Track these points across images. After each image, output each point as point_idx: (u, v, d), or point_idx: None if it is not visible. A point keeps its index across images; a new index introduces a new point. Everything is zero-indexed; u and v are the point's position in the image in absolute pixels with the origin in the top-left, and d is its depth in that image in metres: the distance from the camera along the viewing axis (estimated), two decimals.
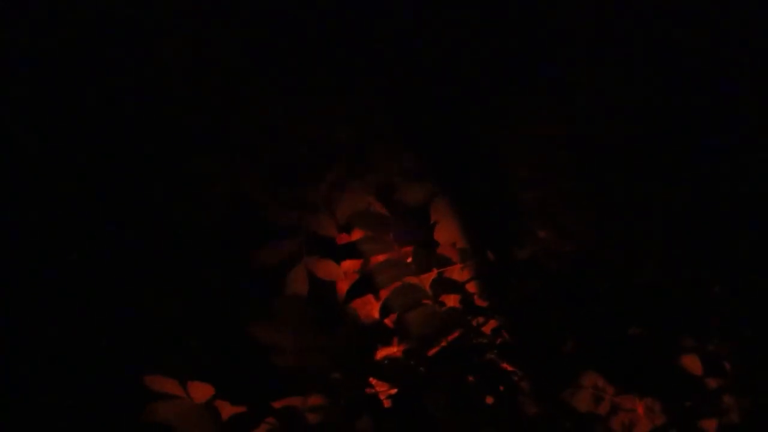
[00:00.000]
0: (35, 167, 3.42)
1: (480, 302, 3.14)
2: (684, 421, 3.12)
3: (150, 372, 2.84)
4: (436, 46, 3.41)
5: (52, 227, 3.41)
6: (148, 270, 3.37)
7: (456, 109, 3.37)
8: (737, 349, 3.19)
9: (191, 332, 3.34)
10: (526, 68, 3.43)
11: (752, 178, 3.41)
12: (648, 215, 3.29)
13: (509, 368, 3.07)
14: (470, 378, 3.00)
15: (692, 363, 3.15)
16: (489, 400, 3.02)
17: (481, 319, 3.11)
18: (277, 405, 2.90)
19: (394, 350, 3.09)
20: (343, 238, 3.17)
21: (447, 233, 3.18)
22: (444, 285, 3.10)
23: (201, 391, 2.85)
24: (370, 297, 3.16)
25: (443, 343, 3.05)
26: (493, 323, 3.11)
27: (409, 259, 3.12)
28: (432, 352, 3.04)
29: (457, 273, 3.16)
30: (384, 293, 3.08)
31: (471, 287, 3.15)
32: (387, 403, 2.95)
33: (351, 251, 3.13)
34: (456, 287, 3.11)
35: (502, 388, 3.03)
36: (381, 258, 3.11)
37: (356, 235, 3.16)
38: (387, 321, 3.09)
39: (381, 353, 3.10)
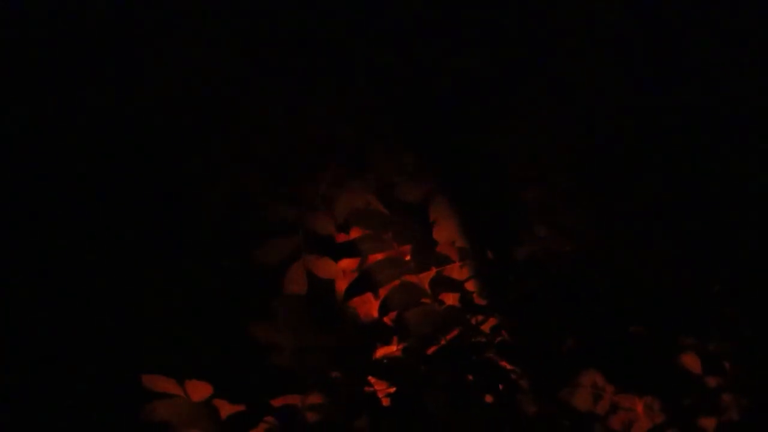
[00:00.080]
0: (35, 167, 3.42)
1: (479, 301, 3.14)
2: (683, 419, 3.12)
3: (149, 371, 2.84)
4: (435, 46, 3.40)
5: (51, 227, 3.41)
6: (148, 269, 3.37)
7: (456, 108, 3.37)
8: (737, 347, 3.19)
9: (190, 332, 3.34)
10: (526, 67, 3.43)
11: (753, 178, 3.40)
12: (648, 215, 3.28)
13: (508, 367, 3.06)
14: (469, 377, 3.00)
15: (692, 362, 3.15)
16: (488, 398, 3.02)
17: (480, 318, 3.10)
18: (276, 404, 2.90)
19: (393, 349, 3.09)
20: (341, 237, 3.17)
21: (446, 232, 3.18)
22: (443, 283, 3.10)
23: (199, 390, 2.85)
24: (369, 295, 3.15)
25: (442, 342, 3.04)
26: (492, 322, 3.11)
27: (407, 257, 3.11)
28: (431, 350, 3.04)
29: (457, 272, 3.16)
30: (383, 292, 3.08)
31: (470, 286, 3.15)
32: (386, 402, 2.95)
33: (349, 250, 3.13)
34: (455, 286, 3.11)
35: (501, 386, 3.02)
36: (379, 257, 3.11)
37: (355, 233, 3.16)
38: (386, 319, 3.09)
39: (380, 352, 3.10)
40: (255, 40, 3.39)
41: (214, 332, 3.33)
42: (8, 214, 3.39)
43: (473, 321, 3.10)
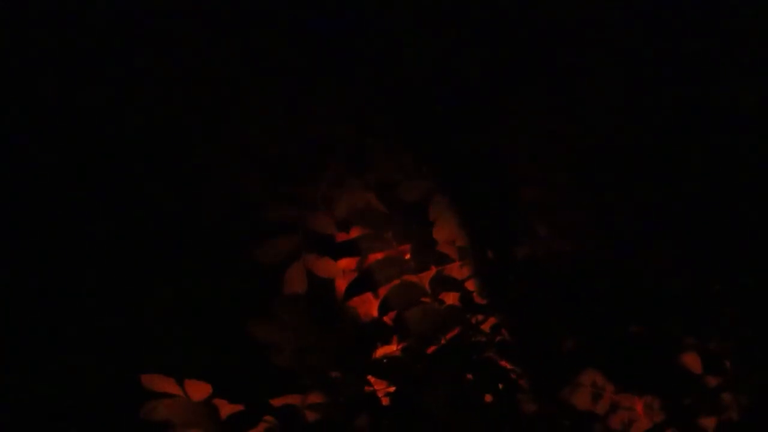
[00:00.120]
0: (35, 167, 3.42)
1: (479, 300, 3.13)
2: (683, 419, 3.12)
3: (148, 371, 2.84)
4: (435, 45, 3.40)
5: (51, 227, 3.41)
6: (148, 269, 3.37)
7: (456, 107, 3.37)
8: (737, 347, 3.18)
9: (190, 331, 3.33)
10: (526, 67, 3.43)
11: (753, 177, 3.40)
12: (648, 214, 3.28)
13: (508, 366, 3.06)
14: (469, 376, 3.00)
15: (692, 361, 3.15)
16: (488, 398, 3.01)
17: (480, 317, 3.10)
18: (275, 403, 2.90)
19: (393, 348, 3.09)
20: (341, 236, 3.17)
21: (446, 231, 3.17)
22: (443, 283, 3.09)
23: (199, 390, 2.85)
24: (368, 295, 3.15)
25: (442, 341, 3.04)
26: (492, 321, 3.10)
27: (407, 256, 3.11)
28: (431, 350, 3.03)
29: (457, 271, 3.15)
30: (383, 291, 3.07)
31: (470, 285, 3.14)
32: (386, 401, 2.95)
33: (349, 249, 3.12)
34: (455, 285, 3.11)
35: (501, 386, 3.02)
36: (379, 256, 3.11)
37: (355, 233, 3.15)
38: (386, 319, 3.08)
39: (380, 351, 3.09)
40: (255, 39, 3.39)
41: (213, 332, 3.33)
42: (8, 214, 3.39)
43: (473, 320, 3.09)
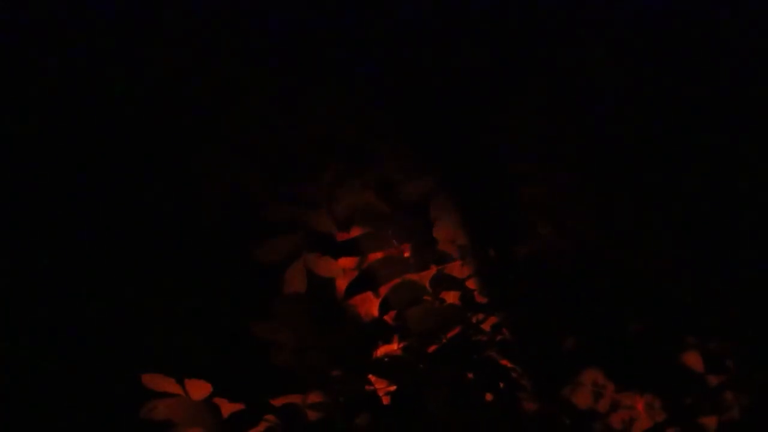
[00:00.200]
0: (34, 166, 3.42)
1: (480, 299, 3.13)
2: (684, 418, 3.11)
3: (149, 371, 2.84)
4: (436, 43, 3.40)
5: (51, 227, 3.41)
6: (147, 269, 3.37)
7: (456, 105, 3.37)
8: (739, 346, 3.18)
9: (190, 331, 3.33)
10: (527, 65, 3.42)
11: (754, 176, 3.40)
12: (649, 212, 3.28)
13: (509, 365, 3.06)
14: (470, 375, 2.99)
15: (693, 360, 3.14)
16: (488, 397, 3.01)
17: (480, 316, 3.10)
18: (276, 402, 2.90)
19: (394, 347, 3.08)
20: (341, 236, 3.17)
21: (447, 230, 3.17)
22: (444, 282, 3.09)
23: (199, 389, 2.84)
24: (369, 294, 3.14)
25: (443, 340, 3.04)
26: (493, 320, 3.10)
27: (407, 254, 3.11)
28: (432, 349, 3.03)
29: (457, 270, 3.15)
30: (383, 290, 3.07)
31: (471, 284, 3.13)
32: (386, 400, 2.94)
33: (349, 248, 3.12)
34: (456, 284, 3.10)
35: (501, 385, 3.01)
36: (379, 255, 3.10)
37: (355, 232, 3.15)
38: (387, 318, 3.08)
39: (381, 350, 3.09)
40: (255, 38, 3.39)
41: (214, 331, 3.33)
42: (8, 214, 3.39)
43: (474, 319, 3.09)
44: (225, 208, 3.21)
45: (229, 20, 3.42)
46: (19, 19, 3.47)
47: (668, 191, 3.33)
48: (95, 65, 3.43)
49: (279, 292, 3.08)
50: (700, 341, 3.15)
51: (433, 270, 3.11)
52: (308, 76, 3.34)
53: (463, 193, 3.22)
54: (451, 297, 3.10)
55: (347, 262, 3.17)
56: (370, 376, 2.97)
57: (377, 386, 2.96)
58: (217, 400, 2.84)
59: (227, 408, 2.84)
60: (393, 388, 2.95)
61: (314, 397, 2.90)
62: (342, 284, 3.13)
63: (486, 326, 3.10)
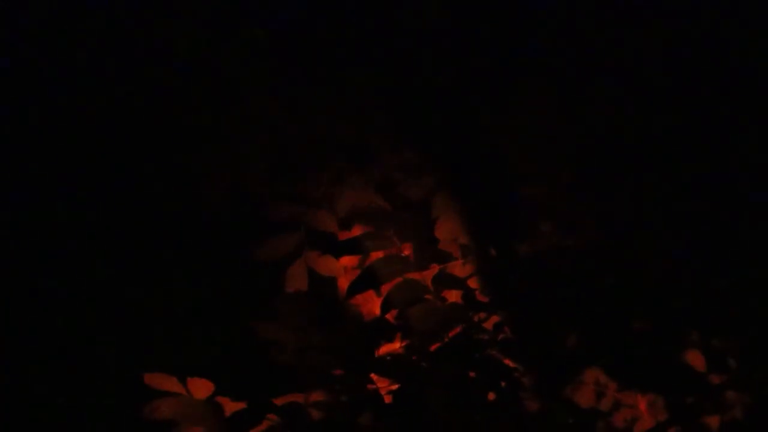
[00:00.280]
0: (35, 167, 3.41)
1: (481, 298, 3.13)
2: (687, 417, 3.11)
3: (151, 370, 2.84)
4: (436, 41, 3.40)
5: (52, 227, 3.41)
6: (148, 268, 3.37)
7: (457, 104, 3.37)
8: (741, 345, 3.18)
9: (192, 330, 3.33)
10: (528, 64, 3.43)
11: (755, 174, 3.40)
12: (651, 211, 3.28)
13: (511, 364, 3.06)
14: (472, 374, 2.99)
15: (696, 359, 3.14)
16: (490, 396, 3.01)
17: (482, 315, 3.10)
18: (278, 402, 2.89)
19: (396, 346, 3.08)
20: (343, 234, 3.17)
21: (448, 229, 3.17)
22: (445, 281, 3.09)
23: (201, 388, 2.84)
24: (371, 293, 3.14)
25: (445, 339, 3.04)
26: (494, 319, 3.10)
27: (407, 252, 3.11)
28: (433, 347, 3.03)
29: (459, 269, 3.15)
30: (385, 289, 3.07)
31: (473, 283, 3.14)
32: (388, 399, 2.94)
33: (351, 247, 3.12)
34: (457, 283, 3.10)
35: (503, 384, 3.02)
36: (380, 254, 3.10)
37: (357, 230, 3.15)
38: (389, 317, 3.08)
39: (383, 349, 3.09)
40: (255, 37, 3.39)
41: (215, 330, 3.32)
42: (9, 214, 3.39)
43: (476, 318, 3.09)
44: (226, 207, 3.21)
45: (229, 20, 3.41)
46: (19, 19, 3.46)
47: (670, 188, 3.33)
48: (95, 65, 3.42)
49: (280, 291, 3.08)
50: (702, 340, 3.15)
51: (435, 269, 3.11)
52: (309, 76, 3.34)
53: (464, 192, 3.22)
54: (453, 296, 3.10)
55: (349, 260, 3.17)
56: (372, 375, 2.97)
57: (379, 385, 2.96)
58: (220, 399, 2.84)
59: (230, 407, 2.84)
60: (395, 386, 2.95)
61: (316, 396, 2.91)
62: (343, 283, 3.13)
63: (488, 325, 3.10)
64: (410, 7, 3.43)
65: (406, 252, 3.10)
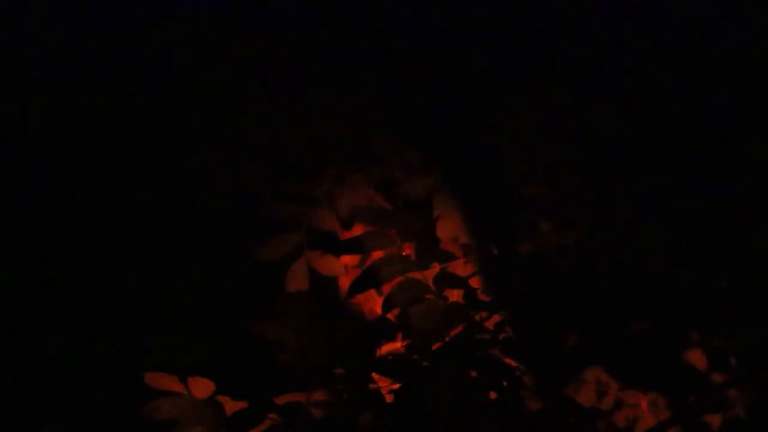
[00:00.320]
0: (35, 166, 3.41)
1: (483, 297, 3.13)
2: (688, 416, 3.11)
3: (152, 369, 2.83)
4: (437, 41, 3.40)
5: (52, 226, 3.40)
6: (149, 268, 3.37)
7: (458, 103, 3.37)
8: (743, 344, 3.18)
9: (193, 330, 3.33)
10: (530, 64, 3.43)
11: (757, 173, 3.40)
12: (653, 209, 3.28)
13: (512, 363, 3.05)
14: (473, 373, 2.99)
15: (697, 358, 3.14)
16: (492, 395, 3.01)
17: (484, 314, 3.09)
18: (279, 401, 2.89)
19: (397, 345, 3.08)
20: (344, 234, 3.16)
21: (449, 228, 3.17)
22: (447, 280, 3.08)
23: (202, 387, 2.84)
24: (372, 292, 3.14)
25: (446, 339, 3.03)
26: (496, 318, 3.10)
27: (407, 252, 3.10)
28: (435, 347, 3.02)
29: (460, 268, 3.15)
30: (386, 288, 3.06)
31: (474, 282, 3.14)
32: (390, 398, 2.94)
33: (352, 246, 3.11)
34: (459, 282, 3.10)
35: (505, 383, 3.01)
36: (381, 253, 3.10)
37: (358, 230, 3.15)
38: (390, 316, 3.07)
39: (384, 349, 3.09)
40: (256, 37, 3.39)
41: (216, 330, 3.32)
42: (9, 214, 3.38)
43: (477, 317, 3.08)
44: (227, 206, 3.21)
45: (230, 20, 3.42)
46: (19, 19, 3.46)
47: (671, 187, 3.33)
48: (96, 65, 3.42)
49: (281, 290, 3.08)
50: (703, 339, 3.15)
51: (436, 268, 3.10)
52: (310, 73, 3.34)
53: (465, 191, 3.22)
54: (454, 295, 3.10)
55: (348, 260, 3.17)
56: (373, 374, 2.97)
57: (381, 384, 2.96)
58: (221, 399, 2.83)
59: (231, 406, 2.83)
60: (396, 386, 2.94)
61: (318, 396, 2.90)
62: (344, 283, 3.13)
63: (489, 324, 3.10)
64: (411, 7, 3.44)
65: (407, 251, 3.10)
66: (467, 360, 3.00)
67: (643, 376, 3.13)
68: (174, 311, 3.35)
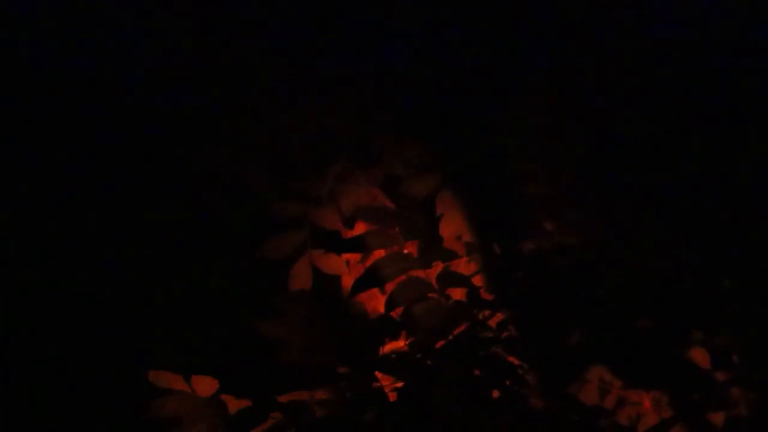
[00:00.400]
0: (36, 166, 3.41)
1: (486, 296, 3.13)
2: (691, 414, 3.11)
3: (155, 368, 2.83)
4: (442, 40, 3.40)
5: (54, 226, 3.40)
6: (152, 267, 3.36)
7: (461, 102, 3.37)
8: (746, 342, 3.18)
9: (196, 328, 3.32)
10: (531, 63, 3.43)
11: (757, 173, 3.41)
12: (655, 208, 3.28)
13: (515, 362, 3.05)
14: (476, 372, 2.99)
15: (700, 356, 3.14)
16: (495, 393, 3.00)
17: (487, 313, 3.09)
18: (283, 399, 2.89)
19: (400, 344, 3.07)
20: (347, 232, 3.16)
21: (453, 226, 3.17)
22: (450, 278, 3.08)
23: (206, 386, 2.83)
24: (375, 291, 3.14)
25: (449, 337, 3.03)
26: (499, 317, 3.10)
27: (409, 250, 3.10)
28: (438, 345, 3.02)
29: (463, 266, 3.15)
30: (390, 287, 3.06)
31: (477, 281, 3.13)
32: (393, 397, 2.93)
33: (355, 245, 3.11)
34: (462, 281, 3.10)
35: (508, 381, 3.01)
36: (384, 252, 3.10)
37: (360, 228, 3.14)
38: (393, 315, 3.07)
39: (388, 347, 3.08)
40: (257, 36, 3.39)
41: (220, 328, 3.32)
42: (10, 214, 3.38)
43: (480, 316, 3.08)
44: (230, 204, 3.21)
45: (230, 19, 3.41)
46: (19, 18, 3.46)
47: (673, 186, 3.33)
48: (96, 65, 3.42)
49: (284, 289, 3.07)
50: (706, 337, 3.15)
51: (439, 267, 3.10)
52: (313, 72, 3.34)
53: (468, 190, 3.22)
54: (458, 294, 3.10)
55: (352, 258, 3.17)
56: (376, 372, 2.96)
57: (384, 383, 2.95)
58: (224, 397, 2.83)
59: (234, 405, 2.83)
60: (400, 384, 2.94)
61: (321, 394, 2.89)
62: (347, 281, 3.12)
63: (492, 323, 3.09)
64: (412, 8, 3.44)
65: (410, 250, 3.10)
66: (470, 358, 3.00)
67: (645, 375, 3.13)
68: (177, 310, 3.35)
